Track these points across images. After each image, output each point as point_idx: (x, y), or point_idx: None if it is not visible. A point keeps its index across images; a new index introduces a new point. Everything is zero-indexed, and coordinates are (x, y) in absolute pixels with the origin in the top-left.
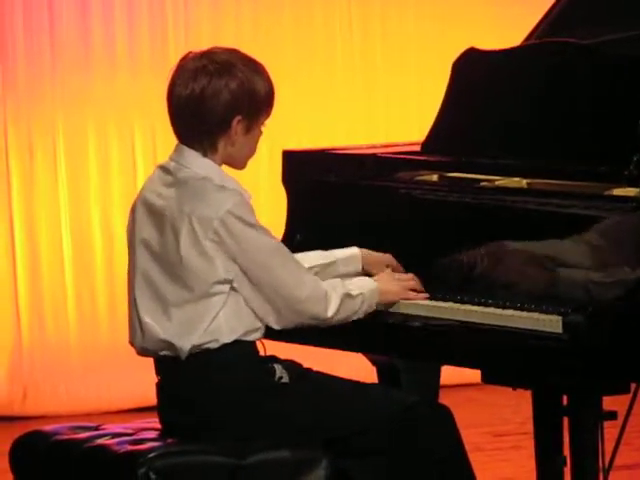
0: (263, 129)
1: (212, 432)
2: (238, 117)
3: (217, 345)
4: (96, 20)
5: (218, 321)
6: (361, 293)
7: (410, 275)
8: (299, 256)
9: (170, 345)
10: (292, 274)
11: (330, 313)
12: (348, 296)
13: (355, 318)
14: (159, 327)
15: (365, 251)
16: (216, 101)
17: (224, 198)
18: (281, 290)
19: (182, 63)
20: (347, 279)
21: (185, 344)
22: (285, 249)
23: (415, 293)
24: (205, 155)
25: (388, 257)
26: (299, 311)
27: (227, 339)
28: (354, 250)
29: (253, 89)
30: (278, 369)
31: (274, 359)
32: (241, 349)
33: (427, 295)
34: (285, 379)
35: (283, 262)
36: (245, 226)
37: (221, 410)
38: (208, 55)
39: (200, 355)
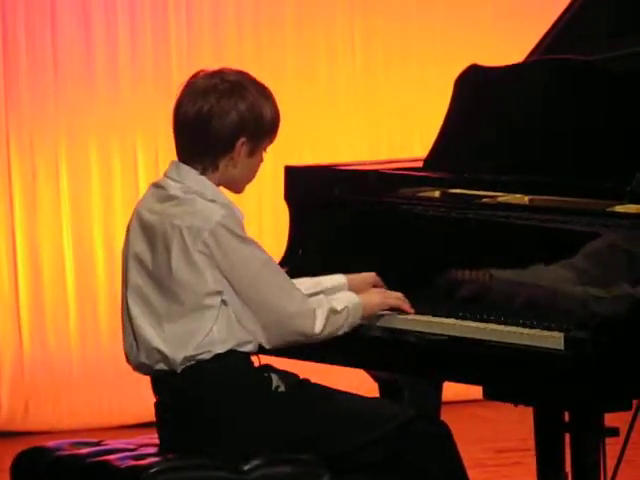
0: (265, 156)
1: (210, 444)
2: (243, 139)
3: (210, 356)
4: (98, 36)
5: (211, 335)
6: (345, 307)
7: (395, 293)
8: None
9: (164, 357)
10: (280, 290)
11: (317, 329)
12: (333, 311)
13: (340, 333)
14: (153, 337)
15: (350, 276)
16: (223, 121)
17: (214, 210)
18: (269, 305)
19: (192, 80)
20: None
21: (178, 356)
22: (274, 264)
23: (399, 302)
24: (203, 173)
25: (372, 276)
26: (287, 328)
27: (220, 350)
28: (340, 278)
29: (260, 113)
30: (275, 379)
31: (270, 368)
32: (235, 359)
33: (411, 310)
34: (282, 389)
35: (271, 277)
36: (234, 238)
37: (218, 421)
38: (219, 74)
39: (194, 367)
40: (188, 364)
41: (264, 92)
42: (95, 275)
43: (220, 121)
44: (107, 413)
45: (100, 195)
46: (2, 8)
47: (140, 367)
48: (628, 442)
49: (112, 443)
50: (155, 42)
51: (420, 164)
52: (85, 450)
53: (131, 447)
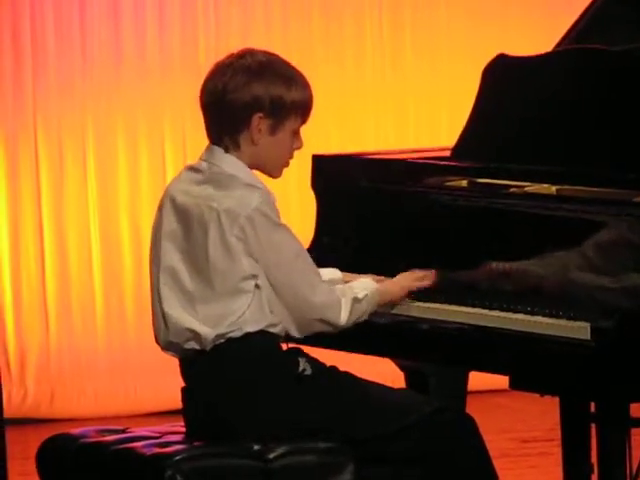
0: (300, 142)
1: (233, 424)
2: (259, 114)
3: (240, 334)
4: (127, 22)
5: (244, 317)
6: (366, 295)
7: (414, 274)
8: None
9: (195, 334)
10: (308, 280)
11: (343, 320)
12: (356, 300)
13: (361, 320)
14: (184, 318)
15: (347, 276)
16: (236, 95)
17: (252, 195)
18: (297, 294)
19: (218, 61)
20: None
21: (210, 333)
22: (305, 253)
23: (418, 284)
24: (227, 152)
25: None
26: (314, 318)
27: (250, 329)
28: (336, 272)
29: (278, 94)
30: (302, 362)
31: (298, 352)
32: (264, 340)
33: (429, 283)
34: (308, 372)
35: (301, 267)
36: (270, 225)
37: (243, 399)
38: (245, 54)
39: (223, 345)
40: (218, 342)
41: (288, 73)
42: (122, 261)
43: (233, 95)
44: (133, 400)
45: (127, 181)
46: None
47: (169, 347)
48: None
49: (137, 431)
50: (183, 26)
51: (447, 153)
52: (110, 437)
53: (156, 435)
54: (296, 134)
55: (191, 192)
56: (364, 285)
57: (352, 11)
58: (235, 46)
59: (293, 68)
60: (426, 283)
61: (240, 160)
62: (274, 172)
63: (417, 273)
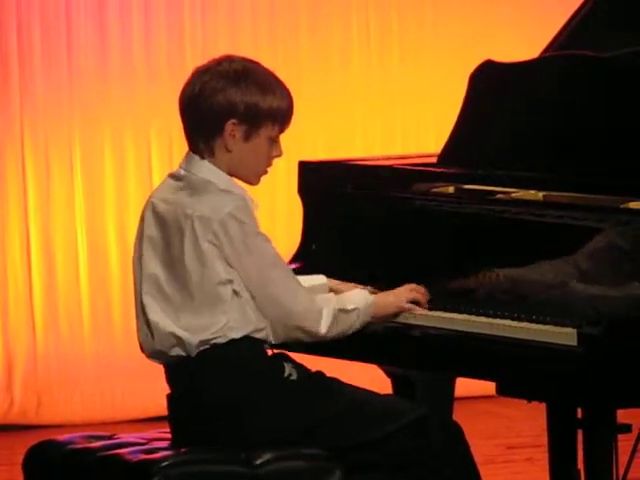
0: (279, 150)
1: (221, 430)
2: (233, 120)
3: (225, 340)
4: (113, 29)
5: (228, 325)
6: (357, 308)
7: (410, 286)
8: None
9: (179, 340)
10: (285, 288)
11: (323, 330)
12: (342, 311)
13: (351, 332)
14: (168, 324)
15: (334, 281)
16: (210, 100)
17: (226, 201)
18: (273, 302)
19: (199, 65)
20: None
21: (194, 339)
22: (281, 261)
23: (412, 305)
24: (203, 158)
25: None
26: (292, 326)
27: (235, 335)
28: (321, 279)
29: (253, 101)
30: (287, 367)
31: (284, 357)
32: (250, 346)
33: (426, 307)
34: (294, 377)
35: (277, 274)
36: (245, 231)
37: (229, 405)
38: (224, 60)
39: (209, 351)
40: (203, 348)
41: (266, 80)
42: (108, 269)
43: (208, 100)
44: (119, 407)
45: (114, 190)
46: (17, 2)
47: (155, 355)
48: None
49: (124, 437)
50: (169, 34)
51: (434, 159)
52: (97, 444)
53: (143, 441)
54: (274, 142)
55: (169, 200)
56: (358, 297)
57: (339, 15)
58: (222, 53)
59: (272, 76)
60: (420, 308)
61: (216, 167)
62: (251, 179)
63: (417, 289)
